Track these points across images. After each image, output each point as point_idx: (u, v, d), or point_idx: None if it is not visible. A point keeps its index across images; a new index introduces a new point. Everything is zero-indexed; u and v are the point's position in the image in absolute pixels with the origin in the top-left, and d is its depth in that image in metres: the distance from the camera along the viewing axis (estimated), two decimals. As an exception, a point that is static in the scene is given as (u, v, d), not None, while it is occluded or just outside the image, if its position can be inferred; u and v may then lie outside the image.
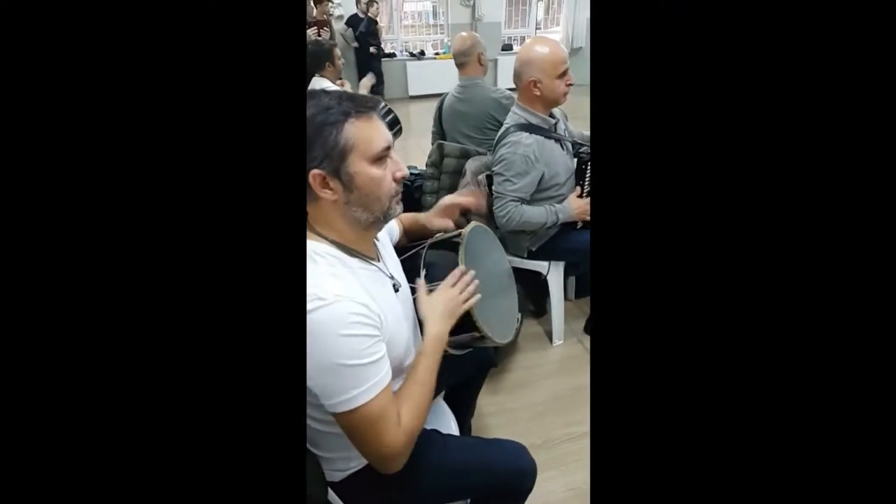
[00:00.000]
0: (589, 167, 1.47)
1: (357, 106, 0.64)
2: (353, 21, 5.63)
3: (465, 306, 0.77)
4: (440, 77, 6.33)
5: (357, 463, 0.75)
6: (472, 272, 0.80)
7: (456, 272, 0.79)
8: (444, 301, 0.76)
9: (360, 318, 0.61)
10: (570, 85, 1.40)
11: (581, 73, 2.51)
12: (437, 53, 6.74)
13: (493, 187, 1.45)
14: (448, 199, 1.02)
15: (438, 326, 0.74)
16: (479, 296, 0.79)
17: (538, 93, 1.38)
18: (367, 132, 0.65)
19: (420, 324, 0.84)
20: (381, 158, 0.67)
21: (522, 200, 1.41)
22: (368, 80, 2.31)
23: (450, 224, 0.99)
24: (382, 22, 6.20)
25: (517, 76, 1.41)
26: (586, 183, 1.49)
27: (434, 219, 1.00)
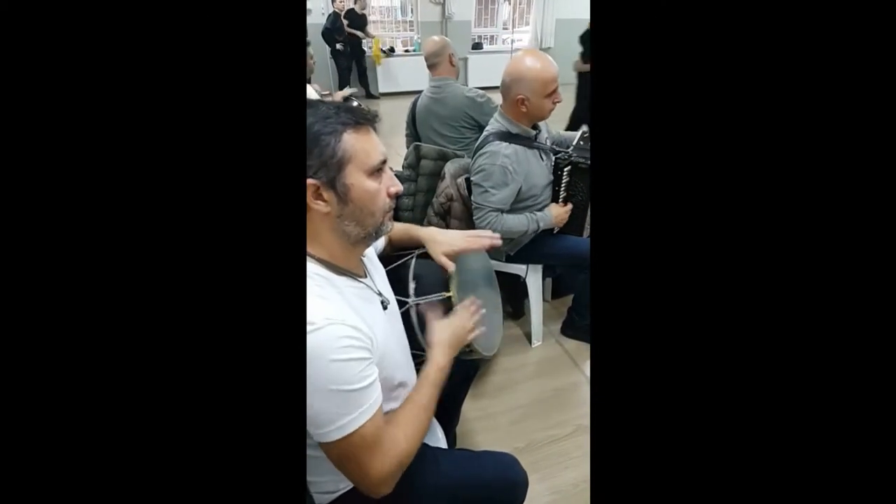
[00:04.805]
0: (564, 172, 1.48)
1: (356, 117, 0.63)
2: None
3: (471, 336, 0.78)
4: (410, 74, 6.28)
5: (346, 485, 0.73)
6: (479, 301, 0.80)
7: (466, 302, 0.79)
8: (455, 331, 0.77)
9: (352, 341, 0.59)
10: (558, 102, 1.38)
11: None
12: (406, 50, 6.68)
13: (473, 197, 1.44)
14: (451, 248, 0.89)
15: (445, 356, 0.75)
16: (483, 329, 0.80)
17: (525, 110, 1.36)
18: (364, 144, 0.63)
19: (409, 337, 0.82)
20: (377, 172, 0.65)
21: (502, 211, 1.41)
22: (345, 92, 2.26)
23: (452, 267, 0.88)
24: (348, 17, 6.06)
25: (506, 88, 1.37)
26: (562, 189, 1.50)
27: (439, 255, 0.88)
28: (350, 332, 0.59)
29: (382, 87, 6.47)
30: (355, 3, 5.52)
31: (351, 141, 0.62)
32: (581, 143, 1.54)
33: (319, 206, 0.63)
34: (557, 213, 1.48)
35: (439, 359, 0.74)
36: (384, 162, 0.66)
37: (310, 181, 0.61)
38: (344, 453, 0.60)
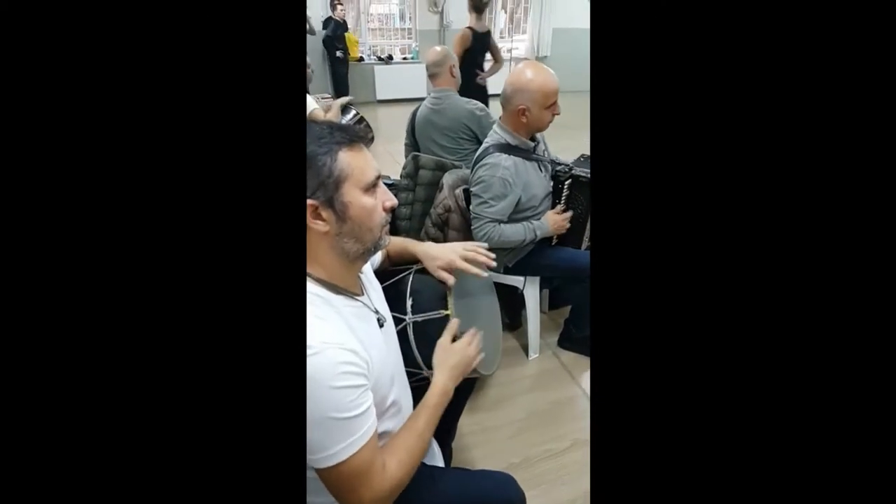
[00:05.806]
0: (565, 186, 1.48)
1: (349, 136, 0.64)
2: (327, 24, 5.51)
3: (475, 364, 0.79)
4: (408, 81, 6.31)
5: (337, 507, 0.71)
6: (479, 332, 0.81)
7: (469, 334, 0.80)
8: (461, 359, 0.77)
9: (349, 366, 0.58)
10: (556, 115, 1.40)
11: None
12: (405, 58, 6.71)
13: (471, 207, 1.44)
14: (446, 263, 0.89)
15: (449, 382, 0.74)
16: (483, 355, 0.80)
17: (525, 120, 1.37)
18: (359, 162, 0.64)
19: (405, 355, 0.81)
20: (372, 188, 0.66)
21: (500, 222, 1.41)
22: (344, 100, 2.26)
23: (451, 280, 0.88)
24: (349, 24, 6.08)
25: (506, 100, 1.38)
26: (562, 201, 1.50)
27: (437, 269, 0.89)
28: (348, 356, 0.58)
29: (380, 95, 6.49)
30: (333, 10, 5.51)
31: (346, 159, 0.63)
32: (581, 158, 1.55)
33: (318, 226, 0.63)
34: (554, 220, 1.48)
35: (444, 383, 0.73)
36: (378, 177, 0.67)
37: (308, 201, 0.61)
38: (336, 479, 0.60)
